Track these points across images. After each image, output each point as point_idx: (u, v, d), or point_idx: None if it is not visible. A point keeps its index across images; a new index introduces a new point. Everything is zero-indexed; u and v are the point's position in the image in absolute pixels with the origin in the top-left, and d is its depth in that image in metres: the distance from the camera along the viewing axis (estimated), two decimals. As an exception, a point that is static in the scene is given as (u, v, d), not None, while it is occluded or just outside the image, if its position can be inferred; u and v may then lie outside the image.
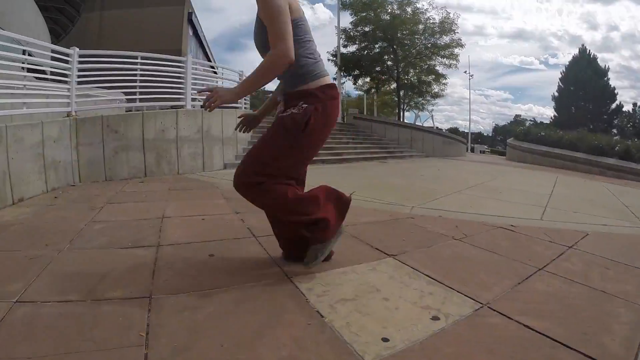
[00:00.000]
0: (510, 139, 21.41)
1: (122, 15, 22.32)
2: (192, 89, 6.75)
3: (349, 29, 20.04)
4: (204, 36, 30.20)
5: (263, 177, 1.85)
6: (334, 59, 20.42)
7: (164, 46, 23.76)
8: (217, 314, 1.59)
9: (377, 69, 20.32)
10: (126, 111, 6.55)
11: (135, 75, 6.14)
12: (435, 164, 11.57)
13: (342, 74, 20.37)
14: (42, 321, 1.51)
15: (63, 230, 2.89)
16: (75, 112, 5.30)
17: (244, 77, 7.70)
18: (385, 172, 8.45)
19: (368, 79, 22.35)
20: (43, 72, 5.35)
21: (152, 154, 5.94)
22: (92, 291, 1.80)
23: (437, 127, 29.87)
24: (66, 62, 5.26)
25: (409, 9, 19.08)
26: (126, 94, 6.24)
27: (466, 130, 75.38)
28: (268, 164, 1.85)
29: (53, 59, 5.27)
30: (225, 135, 7.40)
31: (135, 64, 6.11)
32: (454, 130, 67.08)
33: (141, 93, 6.21)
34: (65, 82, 5.24)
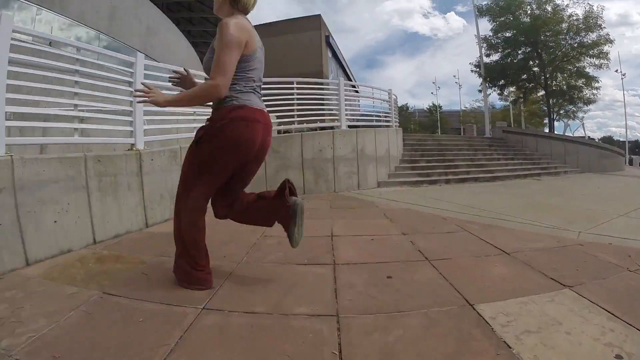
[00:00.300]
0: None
1: (264, 44, 24.92)
2: (345, 109, 6.79)
3: (489, 36, 18.76)
4: (343, 56, 31.69)
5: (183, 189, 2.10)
6: (477, 70, 19.13)
7: (307, 69, 25.69)
8: (407, 338, 1.57)
9: (524, 76, 18.48)
10: (282, 133, 6.87)
11: (292, 98, 6.42)
12: (594, 180, 9.95)
13: (487, 85, 18.91)
14: (233, 330, 1.60)
15: (237, 242, 3.03)
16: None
17: (394, 97, 7.57)
18: (541, 190, 7.40)
19: (513, 88, 20.65)
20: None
21: (311, 172, 6.07)
22: (277, 305, 1.86)
23: (589, 137, 25.40)
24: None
25: (548, 7, 17.08)
26: (283, 116, 6.54)
27: (621, 139, 62.53)
28: (187, 176, 2.09)
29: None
30: (378, 154, 7.27)
31: (292, 88, 6.41)
32: (609, 140, 56.55)
33: (299, 115, 6.45)
34: None
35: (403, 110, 52.37)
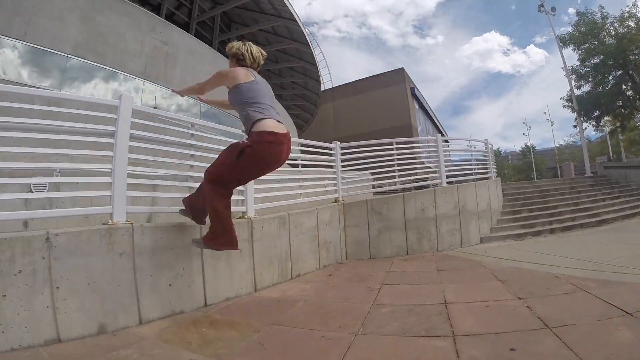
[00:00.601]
0: None
1: (352, 102, 26.07)
2: (445, 166, 6.83)
3: (577, 66, 17.74)
4: (429, 106, 31.83)
5: (215, 176, 2.66)
6: (570, 104, 17.99)
7: (395, 123, 26.32)
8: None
9: (618, 102, 17.08)
10: (387, 193, 7.03)
11: (392, 159, 6.59)
12: None
13: (582, 119, 17.67)
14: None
15: (349, 311, 3.06)
16: (342, 197, 5.97)
17: (490, 146, 7.43)
18: None
19: (609, 118, 19.12)
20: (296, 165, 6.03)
21: (413, 232, 6.08)
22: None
23: None
24: (329, 154, 6.00)
25: (631, 23, 15.89)
26: (384, 177, 6.71)
27: None
28: (219, 169, 2.68)
29: (319, 153, 5.99)
30: (480, 209, 7.09)
31: (392, 149, 6.61)
32: None
33: (400, 175, 6.59)
34: (332, 172, 6.00)
35: (496, 155, 50.05)
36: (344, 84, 28.12)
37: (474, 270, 4.72)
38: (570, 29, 17.86)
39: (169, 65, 11.53)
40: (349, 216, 5.76)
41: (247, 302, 3.46)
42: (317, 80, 22.85)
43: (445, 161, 7.11)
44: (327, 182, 5.90)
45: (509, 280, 3.99)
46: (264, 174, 3.07)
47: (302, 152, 6.13)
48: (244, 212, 4.07)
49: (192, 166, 3.67)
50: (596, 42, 16.80)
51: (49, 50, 8.92)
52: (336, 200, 5.87)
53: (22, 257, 2.30)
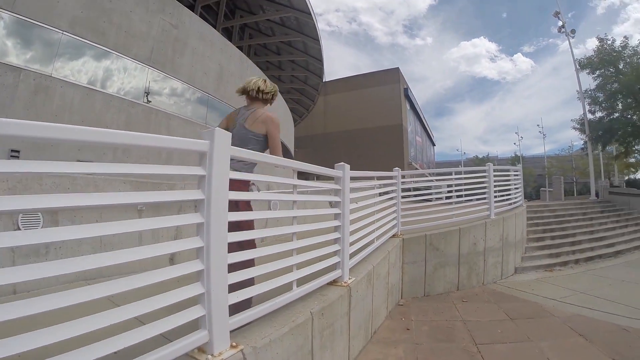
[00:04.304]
0: None
1: (343, 97, 25.57)
2: (494, 197, 6.62)
3: (590, 90, 18.14)
4: (420, 107, 31.85)
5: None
6: (580, 127, 18.61)
7: (386, 122, 26.23)
8: None
9: (629, 129, 17.56)
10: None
11: (451, 190, 6.32)
12: None
13: (592, 143, 18.26)
14: None
15: None
16: (401, 232, 5.57)
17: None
18: None
19: (615, 144, 19.93)
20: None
21: (465, 267, 5.88)
22: None
23: None
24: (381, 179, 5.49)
25: None
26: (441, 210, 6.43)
27: None
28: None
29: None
30: (517, 239, 7.05)
31: (451, 178, 6.32)
32: None
33: (455, 208, 6.31)
34: (393, 203, 5.45)
35: (485, 160, 52.17)
36: (336, 79, 27.52)
37: (545, 320, 4.59)
38: (593, 53, 18.19)
39: (177, 51, 10.46)
40: (408, 253, 5.40)
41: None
42: (320, 76, 22.17)
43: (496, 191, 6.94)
44: (392, 215, 5.39)
45: (587, 334, 3.98)
46: None
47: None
48: (338, 277, 3.11)
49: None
50: (612, 69, 17.26)
51: (41, 25, 7.71)
52: (395, 235, 5.45)
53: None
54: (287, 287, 2.36)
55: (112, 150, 7.92)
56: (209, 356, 1.68)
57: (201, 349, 1.69)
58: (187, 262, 1.67)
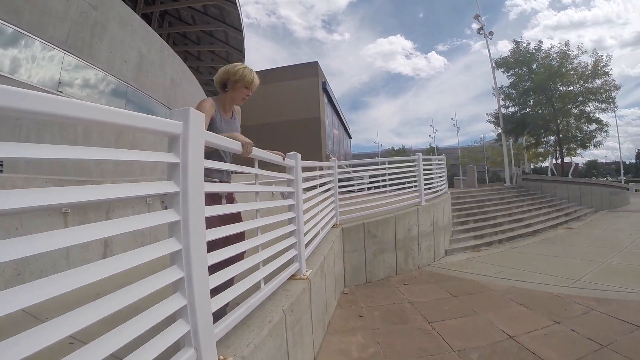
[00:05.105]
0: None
1: (261, 90, 24.97)
2: (424, 184, 6.99)
3: (504, 87, 19.90)
4: (337, 101, 32.33)
5: None
6: (495, 120, 20.36)
7: (304, 115, 26.37)
8: None
9: (540, 122, 19.49)
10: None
11: (385, 179, 6.52)
12: (617, 223, 10.81)
13: (505, 135, 19.88)
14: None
15: None
16: (340, 222, 5.62)
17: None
18: (585, 244, 8.07)
19: (526, 135, 21.79)
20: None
21: (402, 252, 6.13)
22: None
23: (575, 164, 26.80)
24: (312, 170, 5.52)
25: (558, 59, 18.54)
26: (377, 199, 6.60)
27: (604, 161, 66.77)
28: None
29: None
30: (445, 223, 7.55)
31: (384, 168, 6.52)
32: (593, 164, 59.98)
33: (390, 197, 6.53)
34: (332, 194, 5.45)
35: (401, 152, 54.38)
36: (255, 72, 27.06)
37: (484, 294, 4.96)
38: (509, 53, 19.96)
39: (96, 36, 9.51)
40: (348, 241, 5.49)
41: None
42: None
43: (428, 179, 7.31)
44: (331, 206, 5.40)
45: (527, 303, 4.40)
46: None
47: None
48: (297, 271, 2.96)
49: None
50: (525, 69, 19.04)
51: None
52: (335, 225, 5.48)
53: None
54: (255, 286, 2.20)
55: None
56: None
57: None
58: (162, 271, 1.34)
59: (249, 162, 2.30)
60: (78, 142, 7.92)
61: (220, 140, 1.82)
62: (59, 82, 8.63)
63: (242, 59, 20.89)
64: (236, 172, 2.26)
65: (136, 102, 11.23)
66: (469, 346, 3.31)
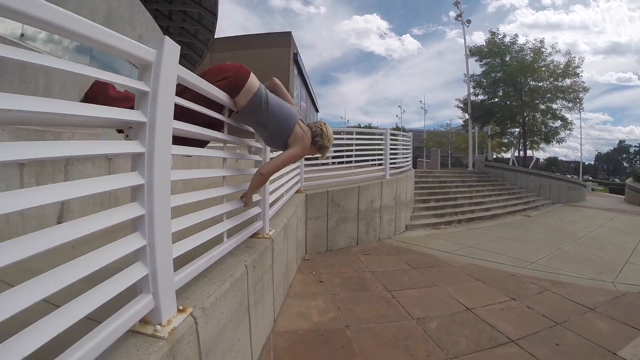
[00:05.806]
0: (629, 180, 20.13)
1: (232, 57, 24.23)
2: (389, 159, 7.13)
3: (476, 75, 20.39)
4: (307, 74, 31.87)
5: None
6: (463, 106, 20.77)
7: None
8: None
9: (506, 112, 20.11)
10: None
11: (351, 149, 6.58)
12: (572, 216, 11.32)
13: (472, 122, 20.40)
14: None
15: (408, 333, 3.10)
16: (304, 188, 5.70)
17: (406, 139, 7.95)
18: (542, 231, 8.44)
19: (492, 124, 22.43)
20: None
21: (364, 223, 6.29)
22: None
23: (536, 159, 27.89)
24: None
25: (540, 62, 19.07)
26: (343, 167, 6.65)
27: (564, 159, 70.11)
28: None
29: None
30: (407, 199, 7.75)
31: (352, 138, 6.57)
32: (554, 161, 62.53)
33: (356, 167, 6.61)
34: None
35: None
36: (226, 37, 25.92)
37: (444, 268, 5.16)
38: (462, 38, 20.36)
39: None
40: (311, 208, 5.56)
41: (285, 347, 2.83)
42: (212, 31, 20.76)
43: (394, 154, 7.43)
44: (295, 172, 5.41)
45: (484, 279, 4.63)
46: None
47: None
48: (260, 229, 2.95)
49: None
50: (498, 60, 19.51)
51: None
52: (299, 191, 5.56)
53: None
54: (218, 239, 2.08)
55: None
56: (157, 326, 1.31)
57: (144, 320, 1.31)
58: (120, 207, 1.20)
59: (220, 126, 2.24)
60: (39, 95, 7.49)
61: (196, 80, 1.67)
62: (22, 35, 8.08)
63: (214, 22, 20.08)
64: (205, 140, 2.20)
65: (101, 59, 10.70)
66: (428, 315, 3.45)
